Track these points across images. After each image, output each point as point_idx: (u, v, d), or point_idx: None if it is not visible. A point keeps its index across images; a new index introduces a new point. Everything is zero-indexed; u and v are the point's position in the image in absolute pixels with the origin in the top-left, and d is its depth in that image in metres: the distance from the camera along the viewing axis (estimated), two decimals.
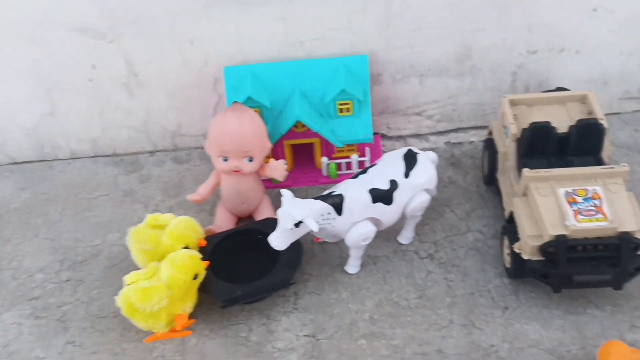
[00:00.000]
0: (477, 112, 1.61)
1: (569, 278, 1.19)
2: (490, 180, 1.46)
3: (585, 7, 1.45)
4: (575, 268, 1.19)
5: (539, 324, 1.23)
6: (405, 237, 1.39)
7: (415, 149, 1.33)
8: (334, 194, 1.24)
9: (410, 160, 1.31)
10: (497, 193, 1.41)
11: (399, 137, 1.64)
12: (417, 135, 1.64)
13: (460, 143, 1.62)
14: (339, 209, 1.22)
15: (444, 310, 1.27)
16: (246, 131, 1.31)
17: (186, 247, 1.24)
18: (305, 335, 1.24)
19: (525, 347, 1.20)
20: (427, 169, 1.31)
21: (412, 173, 1.29)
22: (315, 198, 1.22)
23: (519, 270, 1.26)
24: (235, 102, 1.35)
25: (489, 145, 1.45)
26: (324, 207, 1.21)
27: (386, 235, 1.41)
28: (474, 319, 1.25)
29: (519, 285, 1.30)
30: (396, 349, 1.21)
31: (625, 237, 1.16)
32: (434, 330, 1.24)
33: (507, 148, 1.36)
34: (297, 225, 1.17)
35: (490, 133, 1.46)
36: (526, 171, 1.25)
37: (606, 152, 1.32)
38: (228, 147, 1.31)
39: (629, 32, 1.50)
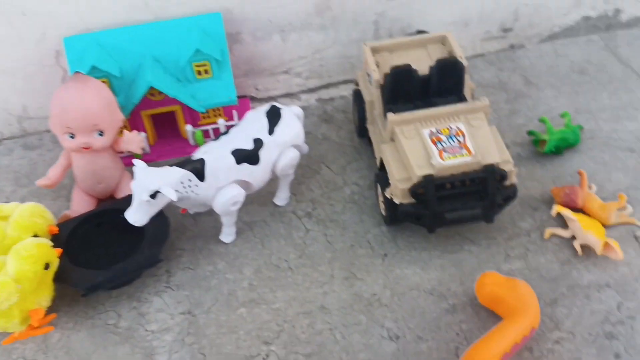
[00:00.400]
0: (344, 65, 1.59)
1: (441, 217, 1.19)
2: (362, 132, 1.44)
3: None
4: (445, 206, 1.19)
5: (419, 267, 1.23)
6: (281, 198, 1.35)
7: (278, 105, 1.28)
8: (193, 158, 1.17)
9: (273, 116, 1.26)
10: (370, 144, 1.40)
11: (270, 98, 1.59)
12: (288, 95, 1.60)
13: (331, 99, 1.60)
14: (200, 175, 1.16)
15: (325, 266, 1.24)
16: (90, 103, 1.20)
17: (35, 236, 1.13)
18: (180, 313, 1.18)
19: (407, 290, 1.20)
20: (292, 124, 1.27)
21: (277, 129, 1.25)
22: (172, 165, 1.15)
23: (394, 216, 1.25)
24: (77, 72, 1.25)
25: (357, 96, 1.44)
26: (183, 174, 1.14)
27: (262, 200, 1.36)
28: (355, 271, 1.23)
29: (397, 231, 1.30)
30: (278, 312, 1.17)
31: (489, 169, 1.17)
32: (315, 288, 1.21)
33: (372, 96, 1.35)
34: (153, 196, 1.10)
35: (357, 84, 1.44)
36: (390, 115, 1.24)
37: (468, 90, 1.33)
38: (72, 122, 1.20)
39: None
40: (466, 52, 1.64)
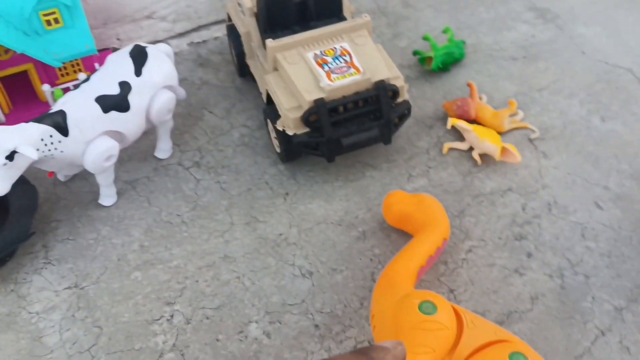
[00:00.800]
0: (214, 4, 1.48)
1: (338, 143, 1.14)
2: (243, 70, 1.34)
3: None
4: (341, 131, 1.13)
5: (322, 200, 1.17)
6: (163, 150, 1.23)
7: (143, 44, 1.16)
8: (52, 112, 1.03)
9: (139, 56, 1.13)
10: (253, 81, 1.31)
11: None
12: (156, 42, 1.45)
13: (204, 41, 1.48)
14: (62, 129, 1.02)
15: (222, 214, 1.15)
16: None
17: None
18: (66, 289, 1.04)
19: (314, 225, 1.13)
20: (161, 63, 1.15)
21: (145, 70, 1.12)
22: (29, 122, 1.00)
23: (290, 150, 1.18)
24: None
25: (231, 31, 1.33)
26: (42, 129, 0.99)
27: (141, 155, 1.24)
28: (256, 214, 1.15)
29: (295, 168, 1.22)
30: (177, 269, 1.07)
31: (381, 86, 1.12)
32: (215, 238, 1.11)
33: (247, 27, 1.25)
34: (10, 158, 0.95)
35: (229, 19, 1.34)
36: (269, 42, 1.15)
37: (348, 12, 1.27)
38: None
39: None
40: None
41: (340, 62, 1.14)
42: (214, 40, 1.48)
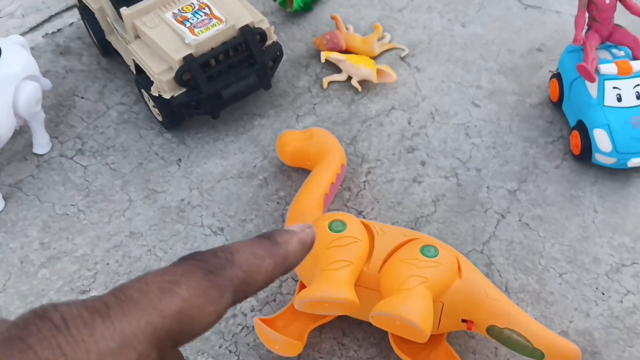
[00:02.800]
0: None
1: (219, 97, 1.10)
2: (106, 48, 1.27)
3: None
4: (219, 84, 1.10)
5: (218, 157, 1.14)
6: (40, 145, 1.15)
7: None
8: None
9: None
10: (119, 57, 1.24)
11: None
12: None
13: (59, 30, 1.38)
14: None
15: (119, 194, 1.09)
16: None
17: None
18: None
19: (214, 184, 1.10)
20: (17, 54, 1.06)
21: (1, 64, 1.03)
22: None
23: (172, 116, 1.13)
24: None
25: (85, 11, 1.25)
26: None
27: (19, 155, 1.15)
28: (153, 186, 1.10)
29: (182, 133, 1.18)
30: (85, 257, 1.01)
31: (246, 31, 1.10)
32: (116, 219, 1.06)
33: (100, 3, 1.18)
34: None
35: (79, 1, 1.26)
36: (124, 10, 1.09)
37: None
38: None
39: None
40: None
41: (201, 16, 1.10)
42: (70, 27, 1.38)
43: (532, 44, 1.28)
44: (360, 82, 1.23)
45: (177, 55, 1.05)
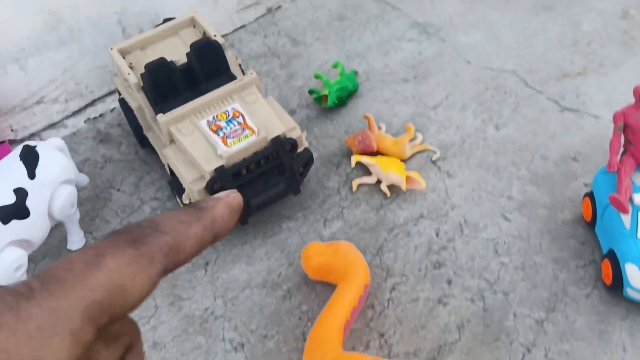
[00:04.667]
0: (104, 76, 1.37)
1: (247, 205, 1.06)
2: (144, 141, 1.25)
3: None
4: (249, 193, 1.06)
5: (244, 263, 1.10)
6: (74, 241, 1.13)
7: (32, 143, 1.05)
8: None
9: (29, 157, 1.03)
10: (155, 152, 1.21)
11: (32, 135, 1.33)
12: (52, 125, 1.35)
13: (101, 115, 1.37)
14: None
15: (146, 301, 1.07)
16: None
17: None
18: None
19: (239, 292, 1.06)
20: (54, 159, 1.05)
21: (38, 170, 1.02)
22: None
23: None
24: None
25: (124, 105, 1.23)
26: None
27: (55, 250, 1.13)
28: (179, 292, 1.07)
29: None
30: None
31: (278, 142, 1.06)
32: (142, 326, 1.03)
33: (138, 101, 1.16)
34: None
35: (119, 92, 1.24)
36: (160, 117, 1.06)
37: (235, 66, 1.19)
38: None
39: None
40: (226, 28, 1.50)
41: (235, 125, 1.06)
42: (111, 113, 1.37)
43: (567, 151, 1.21)
44: (389, 187, 1.18)
45: (209, 166, 1.02)
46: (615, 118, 1.00)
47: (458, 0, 1.55)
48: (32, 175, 1.01)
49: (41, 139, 1.32)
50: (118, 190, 1.23)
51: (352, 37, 1.50)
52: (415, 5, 1.55)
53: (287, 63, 1.45)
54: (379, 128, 1.27)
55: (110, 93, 1.40)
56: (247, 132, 1.05)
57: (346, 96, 1.32)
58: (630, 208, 0.96)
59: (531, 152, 1.22)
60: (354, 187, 1.19)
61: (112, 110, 1.37)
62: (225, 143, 1.04)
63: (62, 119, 1.35)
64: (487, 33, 1.46)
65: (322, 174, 1.22)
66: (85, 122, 1.36)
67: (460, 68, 1.39)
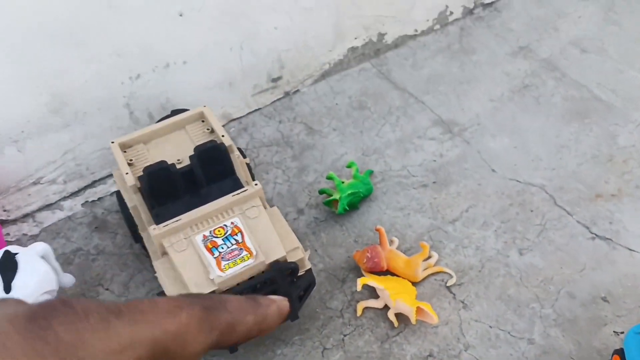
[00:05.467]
0: (107, 157, 1.27)
1: None
2: (137, 238, 1.15)
3: (171, 13, 1.18)
4: None
5: None
6: None
7: (14, 248, 0.95)
8: None
9: (7, 266, 0.92)
10: (147, 255, 1.11)
11: (25, 216, 1.24)
12: (47, 207, 1.25)
13: (100, 199, 1.27)
14: None
15: None
16: None
17: None
18: None
19: None
20: (34, 270, 0.94)
21: (15, 284, 0.92)
22: None
23: None
24: None
25: (120, 198, 1.13)
26: None
27: None
28: None
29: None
30: None
31: (276, 267, 0.94)
32: None
33: (134, 202, 1.06)
34: None
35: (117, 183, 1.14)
36: (153, 230, 0.96)
37: (241, 168, 1.09)
38: None
39: (224, 27, 1.27)
40: (242, 111, 1.41)
41: (231, 244, 0.95)
42: (111, 197, 1.27)
43: (597, 290, 1.07)
44: (397, 315, 1.05)
45: (199, 291, 0.91)
46: None
47: (487, 98, 1.44)
48: (7, 289, 0.91)
49: (35, 221, 1.23)
50: (107, 289, 1.12)
51: (371, 130, 1.39)
52: (440, 100, 1.44)
53: (299, 154, 1.34)
54: (391, 242, 1.15)
55: (110, 175, 1.30)
56: (244, 253, 0.94)
57: (358, 201, 1.21)
58: None
59: (557, 286, 1.08)
60: (359, 311, 1.06)
61: (112, 194, 1.28)
62: (219, 266, 0.93)
63: (59, 200, 1.26)
64: (515, 139, 1.34)
65: (325, 290, 1.10)
66: (83, 205, 1.26)
67: (484, 177, 1.27)
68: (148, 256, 1.09)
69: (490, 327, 1.04)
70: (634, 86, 1.41)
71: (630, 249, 1.12)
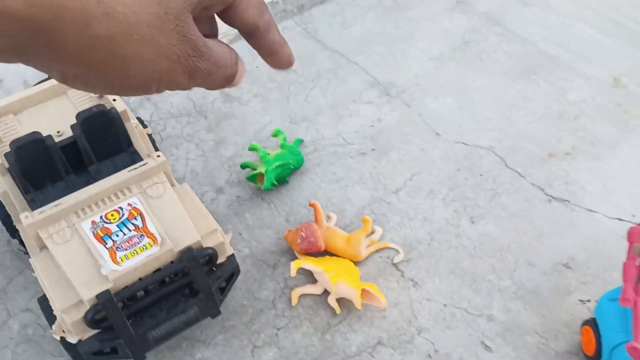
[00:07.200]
0: None
1: (144, 339, 0.78)
2: (14, 232, 0.94)
3: None
4: (146, 323, 0.78)
5: None
6: None
7: None
8: None
9: None
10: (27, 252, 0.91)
11: None
12: None
13: None
14: None
15: None
16: None
17: None
18: None
19: None
20: None
21: None
22: None
23: (79, 357, 0.80)
24: None
25: None
26: None
27: None
28: None
29: None
30: None
31: (188, 256, 0.78)
32: None
33: (4, 186, 0.86)
34: None
35: None
36: (25, 218, 0.77)
37: (141, 139, 0.91)
38: None
39: None
40: None
41: (129, 230, 0.78)
42: None
43: (558, 256, 0.97)
44: (339, 300, 0.91)
45: (89, 292, 0.73)
46: (630, 236, 0.77)
47: (425, 57, 1.31)
48: None
49: None
50: None
51: (298, 95, 1.24)
52: (375, 60, 1.31)
53: (216, 125, 1.17)
54: (328, 219, 1.01)
55: None
56: (146, 241, 0.77)
57: (288, 174, 1.06)
58: None
59: (514, 255, 0.98)
60: (294, 300, 0.92)
61: None
62: (113, 258, 0.75)
63: None
64: (459, 99, 1.23)
65: (253, 279, 0.95)
66: None
67: (427, 141, 1.15)
68: (27, 253, 0.90)
69: (445, 305, 0.91)
70: (583, 40, 1.33)
71: (590, 210, 1.03)
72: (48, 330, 0.88)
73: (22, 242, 0.91)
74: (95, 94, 0.91)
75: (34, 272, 0.81)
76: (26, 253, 0.89)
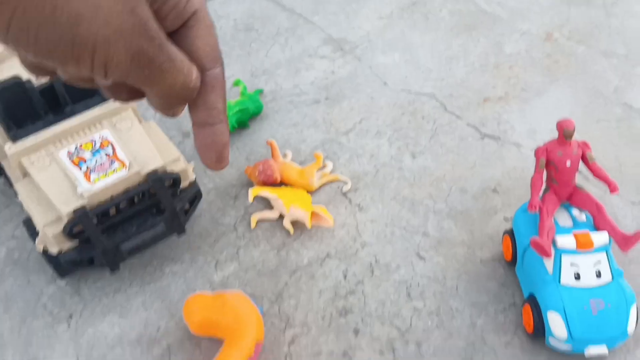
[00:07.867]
0: None
1: (117, 251, 0.90)
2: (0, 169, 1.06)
3: None
4: (119, 236, 0.90)
5: (116, 314, 0.93)
6: None
7: None
8: None
9: None
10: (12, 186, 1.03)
11: None
12: None
13: None
14: None
15: None
16: None
17: None
18: None
19: (108, 351, 0.89)
20: None
21: None
22: None
23: (60, 269, 0.92)
24: None
25: None
26: None
27: None
28: (36, 351, 0.89)
29: (78, 280, 0.97)
30: None
31: (154, 177, 0.90)
32: None
33: None
34: None
35: None
36: (9, 147, 0.89)
37: None
38: None
39: None
40: None
41: (101, 157, 0.90)
42: None
43: (487, 183, 1.11)
44: (294, 223, 1.04)
45: (67, 206, 0.85)
46: (537, 153, 0.90)
47: (376, 16, 1.44)
48: None
49: None
50: None
51: (258, 51, 1.36)
52: (330, 19, 1.43)
53: None
54: (284, 156, 1.13)
55: None
56: (116, 164, 0.89)
57: (247, 119, 1.18)
58: (552, 252, 0.86)
59: (449, 183, 1.11)
60: (253, 224, 1.04)
61: None
62: (87, 178, 0.87)
63: None
64: (405, 53, 1.35)
65: (217, 208, 1.07)
66: None
67: (376, 90, 1.27)
68: (12, 186, 1.02)
69: (386, 225, 1.04)
70: None
71: (517, 144, 1.16)
72: (32, 253, 1.00)
73: (7, 178, 1.03)
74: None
75: (18, 198, 0.93)
76: (11, 186, 1.00)
